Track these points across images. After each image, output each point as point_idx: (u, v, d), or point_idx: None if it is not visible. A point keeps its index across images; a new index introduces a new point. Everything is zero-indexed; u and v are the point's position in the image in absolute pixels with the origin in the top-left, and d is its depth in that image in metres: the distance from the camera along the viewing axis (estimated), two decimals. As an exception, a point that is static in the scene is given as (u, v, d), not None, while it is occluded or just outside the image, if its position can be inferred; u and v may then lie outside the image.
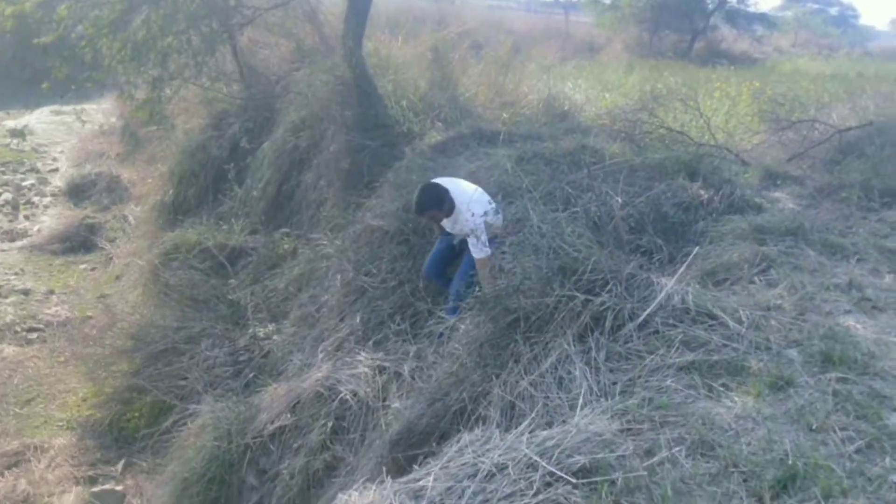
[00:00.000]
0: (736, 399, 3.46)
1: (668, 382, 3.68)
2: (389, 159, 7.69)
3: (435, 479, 3.19)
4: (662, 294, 4.28)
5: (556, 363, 4.07)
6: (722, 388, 3.57)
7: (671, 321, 4.14)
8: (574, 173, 6.22)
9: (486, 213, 5.38)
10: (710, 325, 4.09)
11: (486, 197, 5.64)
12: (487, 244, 5.26)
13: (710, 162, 6.90)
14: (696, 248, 5.20)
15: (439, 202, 5.43)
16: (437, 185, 5.48)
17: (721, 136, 8.15)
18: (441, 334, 5.08)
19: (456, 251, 5.73)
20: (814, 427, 3.17)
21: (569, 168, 6.40)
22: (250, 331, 7.23)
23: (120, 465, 7.03)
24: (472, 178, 6.30)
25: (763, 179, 7.03)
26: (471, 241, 5.28)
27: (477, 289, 4.94)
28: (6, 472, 6.90)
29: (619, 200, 5.63)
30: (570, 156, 6.72)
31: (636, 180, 6.16)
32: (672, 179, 6.29)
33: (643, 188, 6.03)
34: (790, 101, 8.92)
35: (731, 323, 4.06)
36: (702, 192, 6.21)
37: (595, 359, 4.01)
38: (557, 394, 3.89)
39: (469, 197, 5.48)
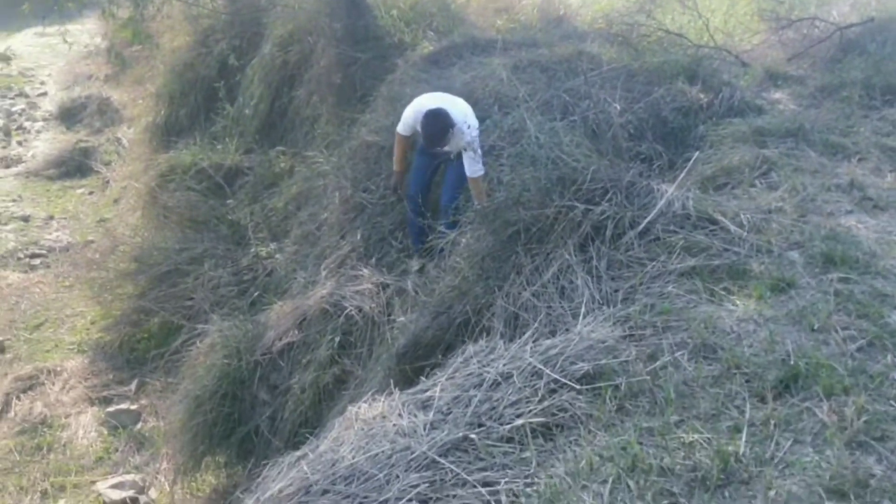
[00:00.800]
0: (738, 302, 3.49)
1: (670, 288, 3.71)
2: (382, 72, 7.53)
3: (442, 389, 3.28)
4: (663, 201, 4.27)
5: (558, 273, 4.08)
6: (723, 292, 3.59)
7: (672, 228, 4.14)
8: (571, 80, 6.14)
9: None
10: (710, 230, 4.10)
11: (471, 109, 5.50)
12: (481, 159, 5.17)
13: (709, 64, 6.80)
14: (696, 152, 5.17)
15: (449, 128, 5.16)
16: (441, 112, 5.16)
17: (720, 38, 7.99)
18: (442, 249, 5.07)
19: (435, 165, 5.61)
20: (815, 327, 3.20)
21: (566, 75, 6.29)
22: (252, 250, 7.24)
23: (133, 385, 7.15)
24: (466, 88, 6.22)
25: (763, 81, 6.93)
26: (467, 157, 5.13)
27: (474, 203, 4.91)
28: (22, 396, 7.04)
29: (618, 107, 5.58)
30: (566, 63, 6.58)
31: (634, 86, 6.08)
32: (671, 83, 6.21)
33: (642, 94, 5.96)
34: (790, -2, 8.70)
35: (731, 227, 4.07)
36: (701, 95, 6.15)
37: (596, 267, 4.01)
38: (560, 303, 3.92)
39: (463, 112, 5.31)
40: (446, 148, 5.27)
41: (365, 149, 6.44)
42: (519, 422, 2.93)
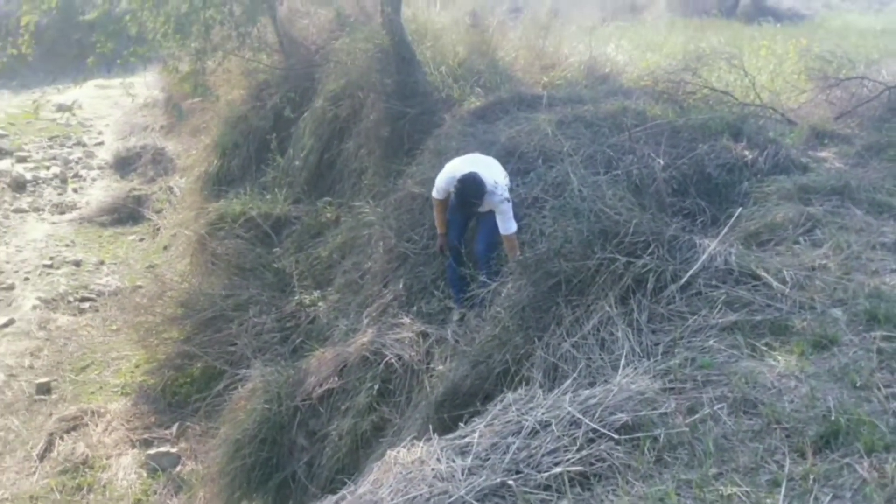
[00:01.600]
0: (779, 358, 3.50)
1: (711, 343, 3.74)
2: (429, 126, 7.72)
3: (480, 436, 3.33)
4: (705, 255, 4.32)
5: (598, 325, 4.12)
6: (765, 348, 3.61)
7: (714, 282, 4.17)
8: (615, 136, 6.23)
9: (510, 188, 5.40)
10: (753, 286, 4.12)
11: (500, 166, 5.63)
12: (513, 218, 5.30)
13: (754, 122, 6.83)
14: (740, 209, 5.19)
15: (483, 193, 5.31)
16: (475, 178, 5.30)
17: (766, 96, 8.02)
18: (482, 299, 5.15)
19: (469, 216, 5.72)
20: (857, 384, 3.19)
21: (610, 131, 6.40)
22: (296, 298, 7.34)
23: (174, 429, 7.24)
24: (511, 142, 6.38)
25: (809, 139, 6.93)
26: (500, 216, 5.28)
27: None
28: (65, 436, 7.18)
29: (661, 162, 5.70)
30: (611, 118, 6.70)
31: (679, 142, 6.14)
32: (716, 140, 6.25)
33: (686, 150, 6.02)
34: (838, 58, 8.68)
35: (774, 283, 4.08)
36: (746, 152, 6.16)
37: (637, 320, 4.04)
38: (600, 355, 3.95)
39: (494, 173, 5.45)
40: (480, 209, 5.43)
41: (410, 200, 6.60)
42: (557, 470, 2.96)
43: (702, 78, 7.99)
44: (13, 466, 6.84)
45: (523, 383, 4.08)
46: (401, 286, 6.11)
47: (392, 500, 2.99)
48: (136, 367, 8.27)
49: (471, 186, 5.26)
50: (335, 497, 3.34)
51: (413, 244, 6.28)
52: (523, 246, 5.23)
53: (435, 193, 5.63)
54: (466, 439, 3.35)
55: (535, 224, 5.39)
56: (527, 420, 3.31)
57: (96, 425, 7.31)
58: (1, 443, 7.14)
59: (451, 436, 3.49)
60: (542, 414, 3.33)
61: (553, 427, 3.20)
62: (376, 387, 5.48)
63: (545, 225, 5.13)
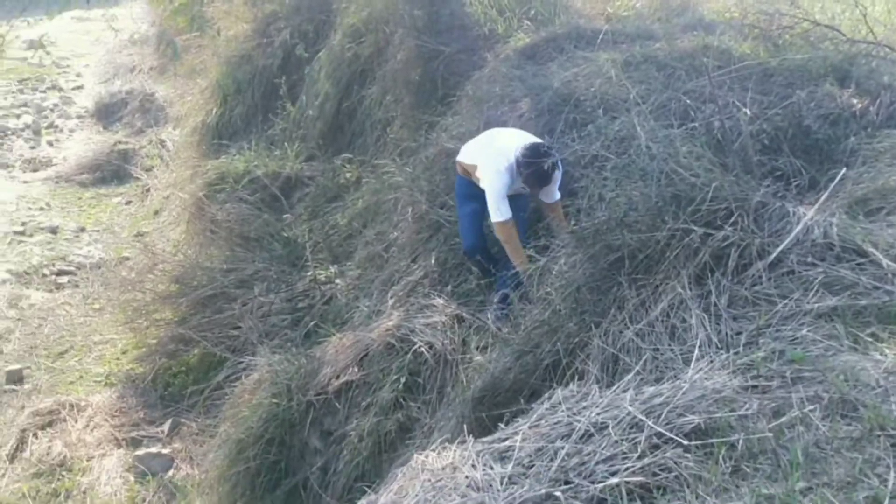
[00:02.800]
0: (887, 352, 3.45)
1: (804, 332, 3.70)
2: (468, 68, 7.68)
3: (523, 439, 3.33)
4: (800, 226, 4.28)
5: (668, 310, 4.13)
6: (870, 339, 3.57)
7: (810, 259, 4.13)
8: (693, 80, 6.17)
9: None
10: (858, 264, 4.07)
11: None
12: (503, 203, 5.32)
13: (865, 63, 6.63)
14: (844, 169, 5.10)
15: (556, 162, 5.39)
16: (544, 146, 5.40)
17: (881, 32, 7.82)
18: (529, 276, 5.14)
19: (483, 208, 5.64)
20: (982, 385, 3.14)
21: (687, 74, 6.32)
22: (309, 273, 7.38)
23: (166, 426, 7.30)
24: (567, 88, 6.37)
25: (934, 84, 6.76)
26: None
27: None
28: (40, 433, 7.25)
29: (749, 113, 5.66)
30: (688, 59, 6.63)
31: (771, 87, 6.08)
32: (816, 86, 6.15)
33: (780, 97, 5.95)
34: (974, -17, 8.44)
35: (885, 261, 4.01)
36: (854, 100, 6.05)
37: (715, 304, 4.04)
38: (669, 345, 3.97)
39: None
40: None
41: (444, 158, 6.55)
42: (613, 480, 2.97)
43: (801, 9, 7.80)
44: (-22, 468, 6.92)
45: (576, 378, 4.11)
46: (433, 261, 6.14)
47: (418, 511, 3.04)
48: (123, 353, 8.38)
49: (546, 156, 5.27)
50: (353, 507, 3.41)
51: (448, 211, 6.29)
52: (579, 214, 5.25)
53: (500, 216, 5.38)
54: (507, 443, 3.37)
55: (593, 187, 5.33)
56: (579, 421, 3.31)
57: (76, 421, 7.36)
58: (-36, 441, 7.24)
59: (489, 438, 3.51)
60: (598, 415, 3.33)
61: (610, 430, 3.20)
62: (403, 380, 5.52)
63: (606, 188, 5.05)
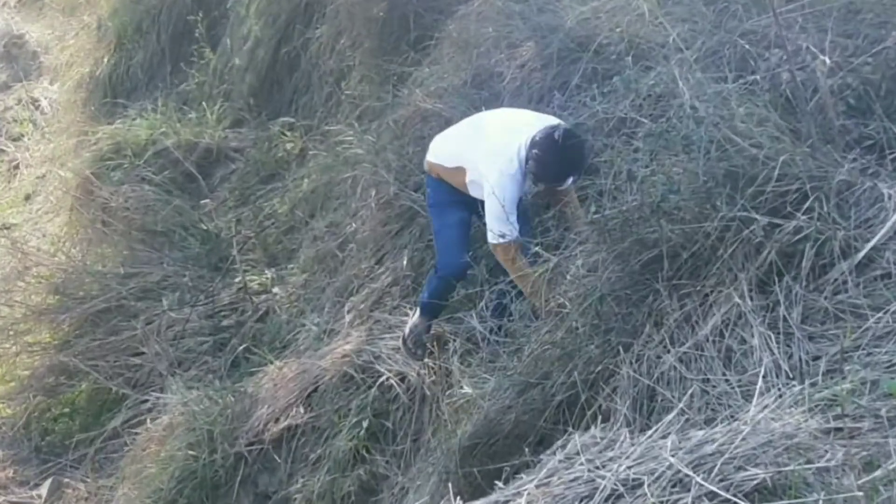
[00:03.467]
0: None
1: (905, 357, 3.57)
2: (450, 2, 7.51)
3: (530, 502, 3.23)
4: (897, 215, 4.10)
5: (722, 326, 4.03)
6: None
7: (912, 259, 3.97)
8: (753, 19, 5.87)
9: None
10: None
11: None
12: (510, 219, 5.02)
13: None
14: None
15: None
16: (574, 132, 5.09)
17: None
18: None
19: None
20: None
21: (744, 10, 5.97)
22: (237, 280, 7.39)
23: (44, 489, 7.01)
24: (583, 29, 6.22)
25: None
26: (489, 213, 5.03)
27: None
28: None
29: (828, 62, 5.40)
30: (746, -11, 6.57)
31: (857, 28, 5.73)
32: (920, 26, 6.07)
33: (868, 41, 5.62)
34: None
35: None
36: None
37: (784, 319, 3.93)
38: (723, 374, 3.88)
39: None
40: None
41: (419, 122, 6.47)
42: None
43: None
44: None
45: (599, 419, 4.07)
46: (404, 263, 6.11)
47: None
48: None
49: (581, 142, 5.08)
50: None
51: (425, 194, 5.97)
52: (601, 198, 4.87)
53: (509, 235, 5.04)
54: (508, 508, 3.20)
55: (620, 162, 4.97)
56: (604, 477, 3.15)
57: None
58: None
59: (482, 502, 3.38)
60: (629, 468, 3.18)
61: (646, 489, 3.03)
62: (365, 423, 5.54)
63: (637, 164, 4.76)
